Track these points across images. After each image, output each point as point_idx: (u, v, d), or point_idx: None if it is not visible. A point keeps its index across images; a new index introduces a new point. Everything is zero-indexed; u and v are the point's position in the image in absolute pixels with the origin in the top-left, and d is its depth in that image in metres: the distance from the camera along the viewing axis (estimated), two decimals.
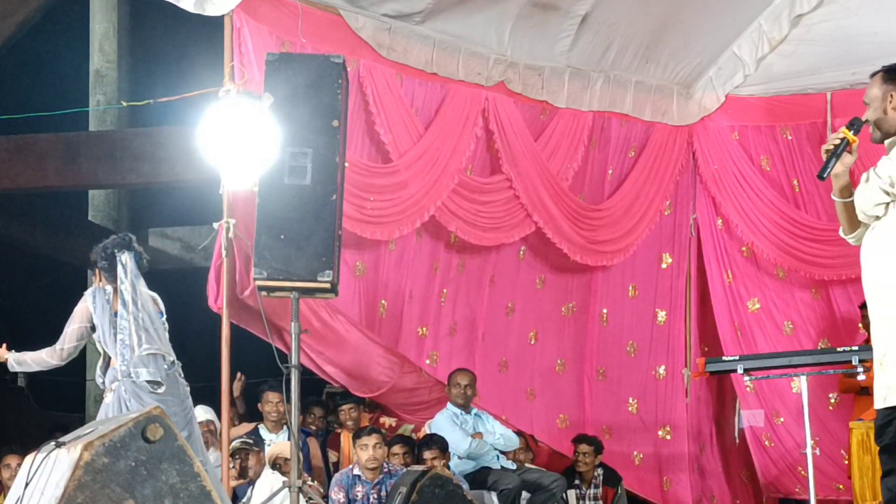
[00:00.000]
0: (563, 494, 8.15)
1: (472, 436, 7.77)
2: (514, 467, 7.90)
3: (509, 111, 8.66)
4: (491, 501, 7.48)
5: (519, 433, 8.34)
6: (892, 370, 4.29)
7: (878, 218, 4.42)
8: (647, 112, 9.45)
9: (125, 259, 6.17)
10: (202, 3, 6.85)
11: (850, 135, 4.51)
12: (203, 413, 8.18)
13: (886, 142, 4.54)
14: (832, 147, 4.50)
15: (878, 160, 4.50)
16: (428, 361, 8.44)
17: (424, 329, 8.51)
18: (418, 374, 8.22)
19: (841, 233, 4.64)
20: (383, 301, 8.23)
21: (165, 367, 6.03)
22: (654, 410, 9.49)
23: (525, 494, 7.72)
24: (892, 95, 4.51)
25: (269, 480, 7.19)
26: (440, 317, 8.61)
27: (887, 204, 4.43)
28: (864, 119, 4.56)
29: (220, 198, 6.76)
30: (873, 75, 4.62)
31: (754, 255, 9.52)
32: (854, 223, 4.57)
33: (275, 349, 6.17)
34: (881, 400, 4.40)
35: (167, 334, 6.22)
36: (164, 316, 6.30)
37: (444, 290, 8.61)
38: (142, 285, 6.22)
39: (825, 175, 4.63)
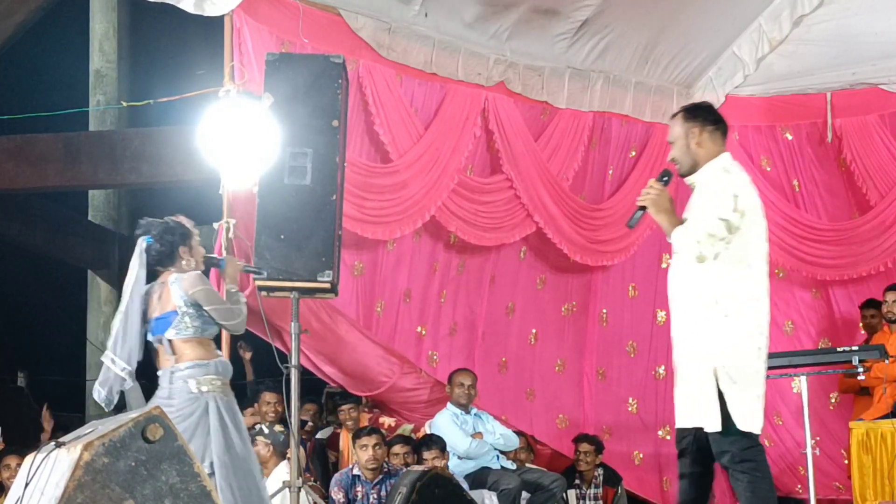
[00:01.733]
0: (564, 494, 8.15)
1: (472, 436, 7.77)
2: (514, 467, 7.90)
3: (509, 111, 8.67)
4: (491, 501, 7.48)
5: (520, 433, 8.35)
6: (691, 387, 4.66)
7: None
8: (647, 112, 9.45)
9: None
10: (202, 4, 6.86)
11: (654, 189, 4.85)
12: None
13: (689, 179, 4.83)
14: (642, 204, 4.91)
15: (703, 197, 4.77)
16: (427, 361, 8.44)
17: (423, 329, 8.52)
18: (418, 374, 8.23)
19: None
20: (380, 301, 8.23)
21: None
22: (654, 410, 9.49)
23: (525, 494, 7.71)
24: (693, 133, 4.76)
25: (268, 481, 7.19)
26: (440, 317, 8.62)
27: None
28: (670, 158, 4.88)
29: (220, 198, 6.77)
30: (674, 116, 4.89)
31: None
32: None
33: (275, 349, 6.17)
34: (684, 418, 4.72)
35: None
36: None
37: (444, 291, 8.61)
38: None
39: (632, 225, 5.08)
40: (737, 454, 4.54)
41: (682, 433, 4.73)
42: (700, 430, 4.66)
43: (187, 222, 5.53)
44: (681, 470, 4.77)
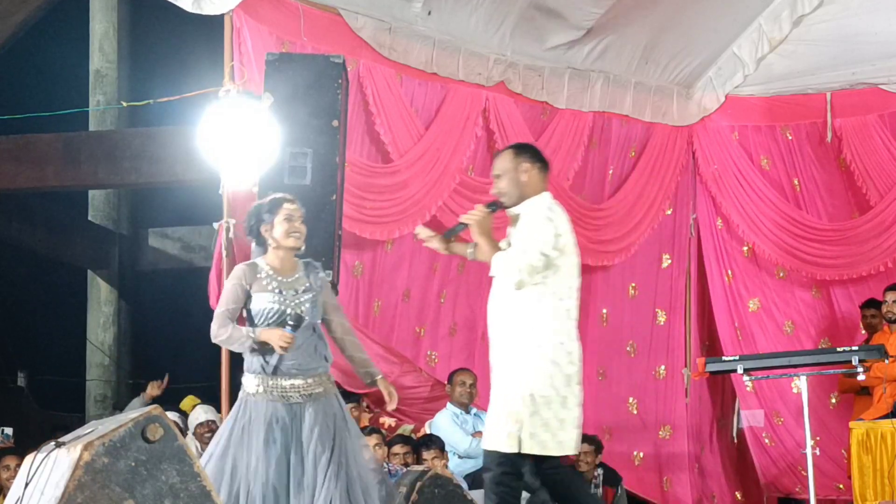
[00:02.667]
0: None
1: (472, 435, 7.77)
2: None
3: (510, 111, 8.67)
4: None
5: None
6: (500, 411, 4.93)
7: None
8: (647, 112, 9.45)
9: None
10: (199, 3, 6.85)
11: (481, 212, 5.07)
12: (203, 413, 8.20)
13: (513, 210, 5.11)
14: (465, 221, 5.12)
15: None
16: (426, 361, 8.43)
17: (422, 329, 8.51)
18: (418, 374, 8.22)
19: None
20: (377, 301, 8.22)
21: None
22: (654, 410, 9.48)
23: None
24: (524, 168, 5.09)
25: None
26: (440, 317, 8.61)
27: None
28: (496, 190, 5.17)
29: (220, 198, 6.76)
30: (501, 152, 5.26)
31: (754, 254, 9.52)
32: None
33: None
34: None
35: None
36: None
37: (444, 291, 8.60)
38: None
39: (448, 236, 5.28)
40: (497, 476, 4.87)
41: (520, 464, 4.95)
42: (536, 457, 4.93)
43: (273, 197, 5.12)
44: (543, 498, 5.03)
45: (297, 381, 4.96)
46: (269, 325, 4.96)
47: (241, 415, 4.98)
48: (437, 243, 5.20)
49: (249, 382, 4.99)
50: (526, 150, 5.18)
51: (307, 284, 5.01)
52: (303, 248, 5.07)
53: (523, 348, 4.92)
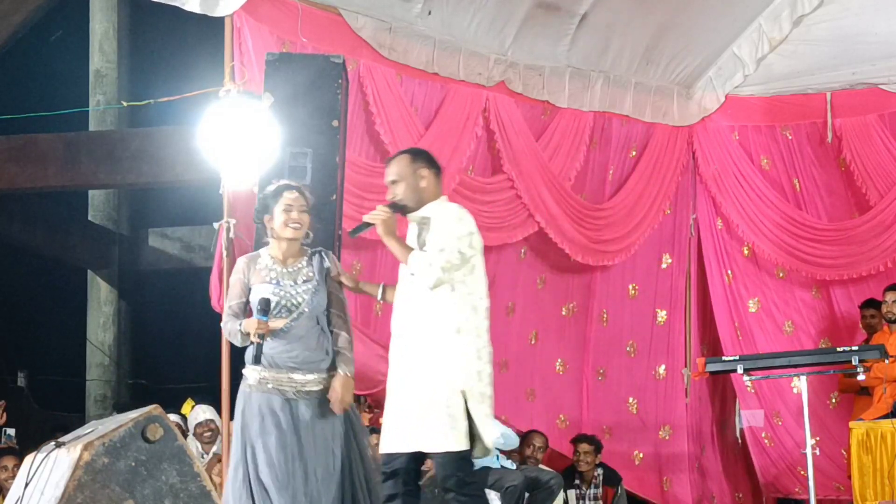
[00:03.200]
0: (564, 494, 8.15)
1: None
2: (514, 466, 7.90)
3: (510, 111, 8.67)
4: (493, 501, 7.47)
5: (536, 432, 8.37)
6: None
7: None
8: (647, 112, 9.45)
9: None
10: (207, 4, 6.85)
11: (385, 212, 4.99)
12: (202, 413, 8.20)
13: (414, 215, 5.07)
14: (369, 220, 5.03)
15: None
16: None
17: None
18: None
19: None
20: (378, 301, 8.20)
21: None
22: (654, 410, 9.49)
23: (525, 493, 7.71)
24: (421, 172, 5.05)
25: None
26: None
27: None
28: (393, 195, 5.08)
29: (221, 198, 6.75)
30: (395, 157, 5.17)
31: (754, 254, 9.52)
32: None
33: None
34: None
35: None
36: None
37: None
38: None
39: (353, 234, 5.25)
40: (462, 478, 4.81)
41: (393, 456, 4.92)
42: (415, 452, 4.88)
43: (276, 185, 5.07)
44: (391, 491, 4.92)
45: (296, 376, 4.87)
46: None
47: (243, 408, 4.92)
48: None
49: (249, 374, 4.93)
50: (421, 156, 5.14)
51: (309, 274, 4.95)
52: (303, 238, 4.98)
53: (451, 347, 4.86)
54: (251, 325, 4.79)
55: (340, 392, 4.85)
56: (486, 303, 5.03)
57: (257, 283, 4.92)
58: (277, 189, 4.98)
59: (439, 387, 4.82)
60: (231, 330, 4.90)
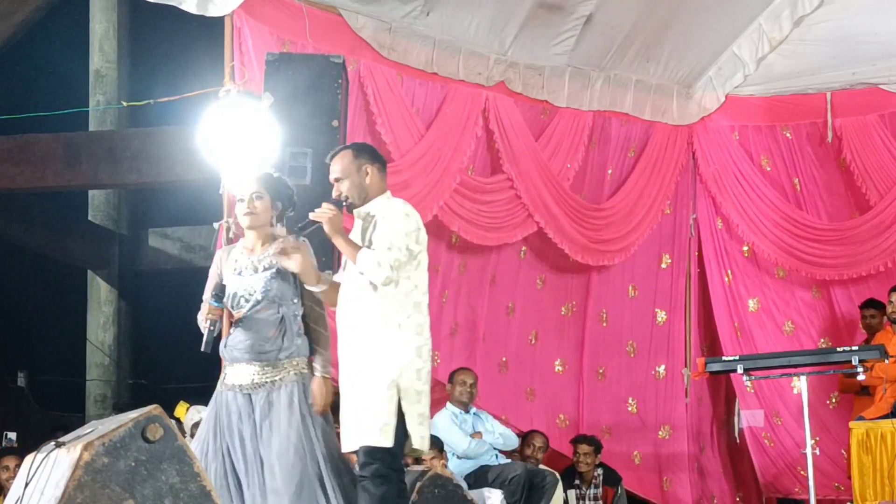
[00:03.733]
0: (565, 494, 8.15)
1: (471, 435, 7.77)
2: None
3: (510, 111, 8.67)
4: (491, 500, 7.47)
5: (537, 432, 8.38)
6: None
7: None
8: (647, 112, 9.45)
9: None
10: (204, 4, 6.85)
11: (331, 210, 4.90)
12: (198, 413, 8.18)
13: (360, 210, 5.01)
14: (315, 218, 4.92)
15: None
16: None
17: None
18: None
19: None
20: None
21: None
22: (653, 410, 9.49)
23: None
24: (365, 168, 4.98)
25: None
26: (441, 317, 8.60)
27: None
28: (339, 193, 4.99)
29: (220, 198, 6.76)
30: (337, 153, 5.05)
31: (754, 254, 9.52)
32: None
33: None
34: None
35: None
36: None
37: (446, 291, 8.60)
38: None
39: (301, 233, 5.06)
40: (380, 469, 4.73)
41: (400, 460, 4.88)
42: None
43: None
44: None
45: (249, 367, 4.91)
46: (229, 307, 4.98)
47: (210, 407, 5.04)
48: (292, 265, 4.97)
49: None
50: (365, 151, 5.08)
51: (272, 261, 4.95)
52: (263, 224, 5.01)
53: (390, 343, 4.80)
54: (203, 310, 4.92)
55: (317, 396, 4.91)
56: (427, 299, 4.94)
57: (227, 273, 5.00)
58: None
59: (375, 383, 4.77)
60: (199, 319, 4.98)
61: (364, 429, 4.74)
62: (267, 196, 5.01)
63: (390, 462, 4.74)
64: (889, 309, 8.33)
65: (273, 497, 4.80)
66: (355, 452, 4.82)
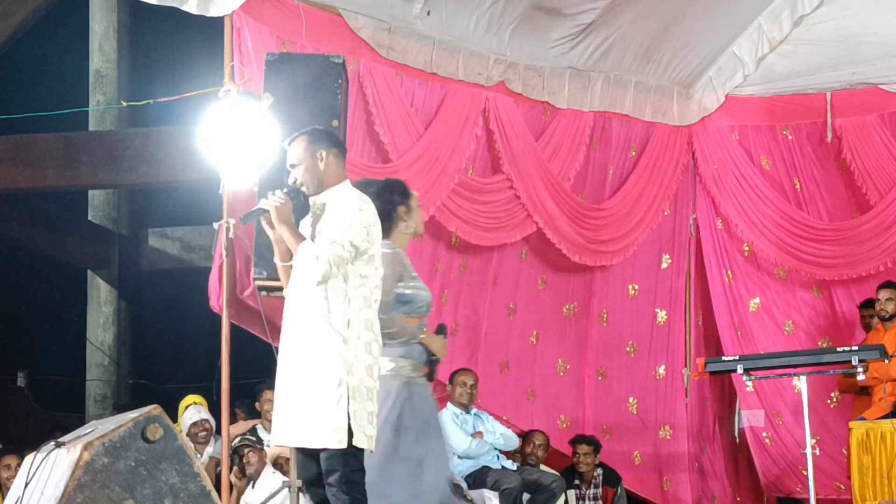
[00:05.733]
0: (564, 494, 8.16)
1: (472, 435, 7.77)
2: (514, 467, 7.90)
3: (510, 111, 8.66)
4: (492, 501, 7.48)
5: (538, 431, 8.37)
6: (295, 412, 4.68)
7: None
8: (647, 112, 9.45)
9: None
10: (205, 5, 6.85)
11: (280, 198, 4.73)
12: (196, 413, 8.19)
13: (316, 198, 4.81)
14: (264, 206, 4.75)
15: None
16: None
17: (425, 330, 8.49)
18: None
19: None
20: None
21: None
22: (654, 410, 9.48)
23: (525, 495, 7.71)
24: (321, 154, 4.78)
25: (269, 480, 7.20)
26: (441, 317, 8.59)
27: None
28: (294, 179, 4.80)
29: (220, 198, 6.75)
30: (294, 139, 4.86)
31: (754, 254, 9.52)
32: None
33: (274, 349, 6.15)
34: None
35: None
36: None
37: (446, 291, 8.60)
38: None
39: (245, 220, 5.02)
40: (345, 475, 4.61)
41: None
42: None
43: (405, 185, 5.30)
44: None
45: None
46: (413, 312, 5.17)
47: (415, 399, 5.12)
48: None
49: (405, 365, 5.19)
50: (322, 136, 4.87)
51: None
52: None
53: (340, 339, 4.65)
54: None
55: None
56: (377, 294, 4.79)
57: (410, 279, 5.19)
58: (406, 187, 5.24)
59: (325, 380, 4.63)
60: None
61: (315, 431, 4.60)
62: None
63: (354, 465, 4.63)
64: (877, 307, 8.35)
65: None
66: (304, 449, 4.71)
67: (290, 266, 4.76)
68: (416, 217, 5.18)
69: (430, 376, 5.20)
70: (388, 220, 5.09)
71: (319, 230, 4.70)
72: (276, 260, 4.80)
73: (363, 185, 5.08)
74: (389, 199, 5.13)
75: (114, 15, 14.21)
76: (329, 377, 4.61)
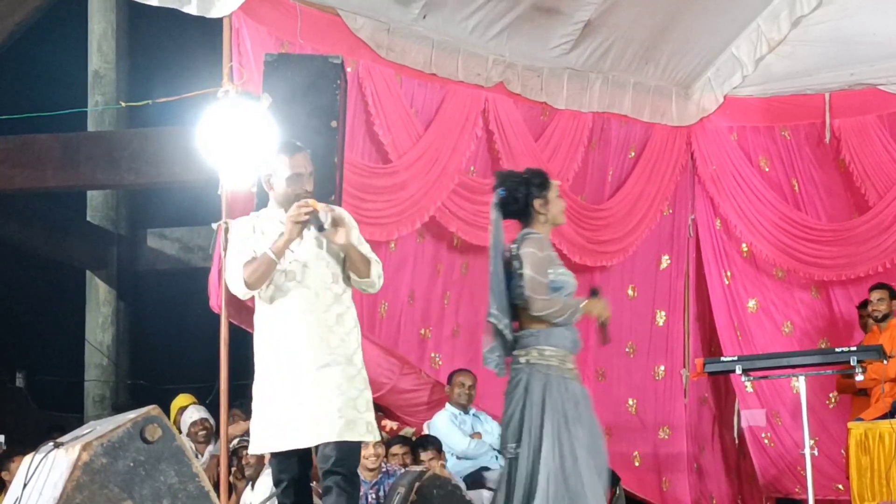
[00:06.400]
0: None
1: (471, 436, 7.77)
2: None
3: (509, 112, 8.67)
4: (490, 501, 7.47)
5: None
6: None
7: None
8: (646, 113, 9.45)
9: None
10: (205, 6, 6.85)
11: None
12: (197, 412, 8.19)
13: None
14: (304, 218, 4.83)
15: None
16: (430, 363, 8.43)
17: (427, 330, 8.50)
18: (417, 375, 8.22)
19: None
20: (384, 302, 8.21)
21: None
22: (653, 411, 9.48)
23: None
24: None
25: (268, 480, 7.19)
26: (443, 318, 8.60)
27: None
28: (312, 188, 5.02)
29: (219, 198, 6.75)
30: (303, 151, 5.07)
31: (753, 255, 9.52)
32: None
33: None
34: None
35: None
36: None
37: (448, 292, 8.59)
38: None
39: (321, 230, 4.93)
40: (355, 466, 4.79)
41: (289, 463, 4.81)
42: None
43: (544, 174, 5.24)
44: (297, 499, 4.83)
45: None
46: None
47: (552, 389, 5.05)
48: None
49: (555, 356, 5.14)
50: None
51: None
52: None
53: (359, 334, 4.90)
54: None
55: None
56: None
57: (556, 266, 5.25)
58: (546, 177, 5.24)
59: (361, 375, 4.80)
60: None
61: (355, 424, 4.67)
62: None
63: (359, 461, 4.83)
64: (870, 308, 8.36)
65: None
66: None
67: (275, 262, 4.77)
68: (554, 208, 5.19)
69: (605, 338, 5.32)
70: (525, 216, 5.22)
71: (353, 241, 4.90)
72: (273, 256, 4.77)
73: (504, 177, 5.25)
74: (526, 193, 5.21)
75: (112, 15, 14.21)
76: (363, 372, 4.79)
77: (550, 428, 4.92)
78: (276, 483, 4.83)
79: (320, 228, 4.78)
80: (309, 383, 4.68)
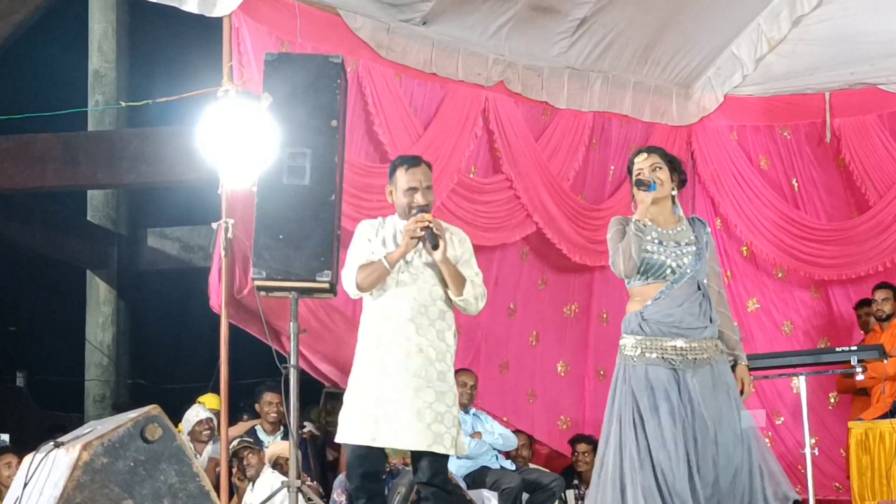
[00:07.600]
0: (563, 494, 8.15)
1: (471, 435, 7.77)
2: (514, 467, 7.90)
3: (510, 111, 8.67)
4: (491, 501, 7.48)
5: (519, 431, 8.36)
6: None
7: None
8: (646, 112, 9.45)
9: None
10: (205, 5, 6.85)
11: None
12: (203, 411, 8.19)
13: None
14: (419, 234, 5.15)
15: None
16: None
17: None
18: None
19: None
20: None
21: None
22: None
23: (524, 494, 7.71)
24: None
25: (268, 480, 7.20)
26: None
27: None
28: (427, 203, 5.29)
29: (219, 198, 6.75)
30: (424, 162, 5.40)
31: (753, 255, 9.52)
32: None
33: (273, 349, 6.15)
34: None
35: None
36: None
37: None
38: None
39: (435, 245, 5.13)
40: (447, 476, 5.19)
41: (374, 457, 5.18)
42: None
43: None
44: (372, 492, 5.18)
45: (679, 343, 4.86)
46: (650, 278, 4.99)
47: (620, 382, 5.00)
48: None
49: (627, 344, 5.07)
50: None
51: (691, 237, 4.96)
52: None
53: (453, 357, 5.23)
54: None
55: (746, 384, 5.04)
56: None
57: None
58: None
59: (454, 390, 5.15)
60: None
61: (436, 437, 5.01)
62: (666, 167, 5.08)
63: (447, 472, 5.16)
64: (874, 307, 8.36)
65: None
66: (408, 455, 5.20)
67: (388, 271, 5.13)
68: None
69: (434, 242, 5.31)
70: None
71: (457, 255, 5.17)
72: (387, 265, 5.15)
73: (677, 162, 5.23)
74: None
75: (113, 15, 14.22)
76: (454, 388, 5.15)
77: (606, 417, 5.01)
78: (349, 478, 5.18)
79: (435, 246, 5.04)
80: (403, 391, 5.03)
